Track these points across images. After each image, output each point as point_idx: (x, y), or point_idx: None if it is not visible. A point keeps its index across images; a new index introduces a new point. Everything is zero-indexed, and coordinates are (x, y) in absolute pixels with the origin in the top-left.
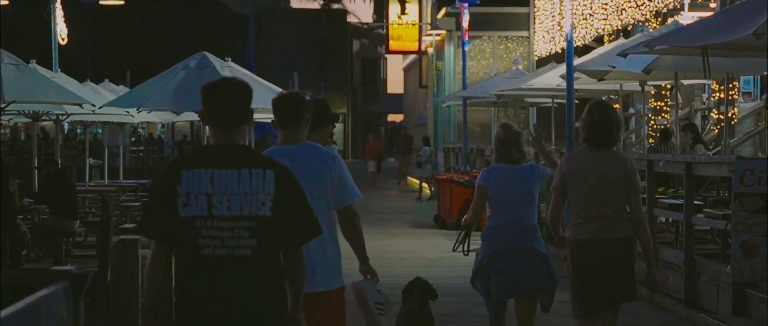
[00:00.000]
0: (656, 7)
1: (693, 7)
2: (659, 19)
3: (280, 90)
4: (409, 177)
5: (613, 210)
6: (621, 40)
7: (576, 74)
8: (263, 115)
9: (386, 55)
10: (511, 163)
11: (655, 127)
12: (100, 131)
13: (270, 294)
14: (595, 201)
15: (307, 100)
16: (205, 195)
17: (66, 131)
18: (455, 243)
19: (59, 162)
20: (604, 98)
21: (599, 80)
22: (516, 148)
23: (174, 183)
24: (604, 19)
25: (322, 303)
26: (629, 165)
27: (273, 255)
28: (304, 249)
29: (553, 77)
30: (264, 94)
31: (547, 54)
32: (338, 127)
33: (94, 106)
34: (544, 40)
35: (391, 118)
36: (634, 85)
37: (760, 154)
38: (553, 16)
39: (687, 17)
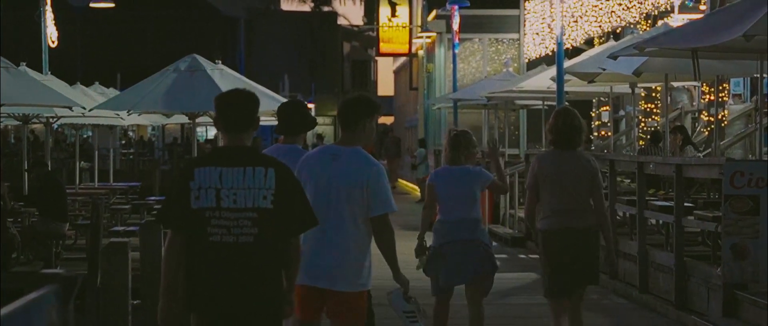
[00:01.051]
0: (646, 9)
1: (683, 9)
2: (649, 22)
3: (270, 93)
4: (400, 179)
5: (579, 204)
6: (611, 43)
7: (566, 76)
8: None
9: (376, 58)
10: (456, 164)
11: (645, 129)
12: (91, 134)
13: (269, 275)
14: (562, 196)
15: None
16: (214, 189)
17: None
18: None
19: (49, 164)
20: (594, 100)
21: (589, 82)
22: (463, 153)
23: (188, 179)
24: (595, 22)
25: (341, 301)
26: (592, 165)
27: (272, 242)
28: (332, 248)
29: (543, 79)
30: None
31: (538, 56)
32: (328, 129)
33: (84, 108)
34: (535, 42)
35: (381, 120)
36: (624, 87)
37: (750, 156)
38: (544, 19)
39: (677, 19)
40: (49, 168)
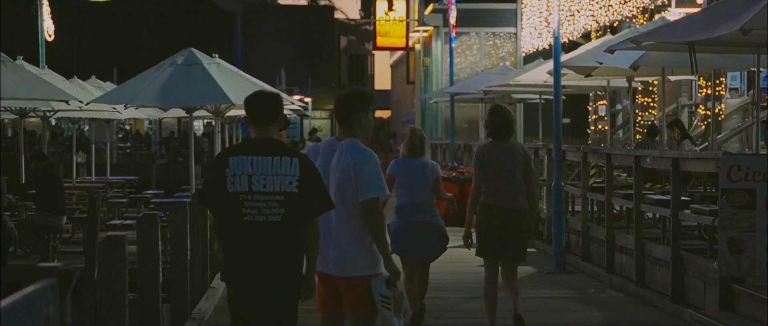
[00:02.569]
0: (643, 3)
1: (680, 3)
2: (646, 16)
3: (268, 86)
4: None
5: (514, 186)
6: (608, 37)
7: (563, 70)
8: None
9: (373, 52)
10: (413, 156)
11: (642, 122)
12: (87, 127)
13: (293, 251)
14: (499, 179)
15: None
16: (247, 175)
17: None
18: None
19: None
20: (591, 94)
21: (586, 76)
22: (419, 147)
23: (223, 167)
24: (591, 16)
25: (351, 285)
26: (525, 152)
27: (296, 221)
28: (335, 237)
29: (540, 73)
30: (251, 91)
31: (535, 50)
32: (325, 123)
33: (81, 102)
34: (532, 36)
35: (378, 114)
36: (621, 81)
37: (746, 150)
38: (541, 13)
39: (674, 13)
40: (49, 161)
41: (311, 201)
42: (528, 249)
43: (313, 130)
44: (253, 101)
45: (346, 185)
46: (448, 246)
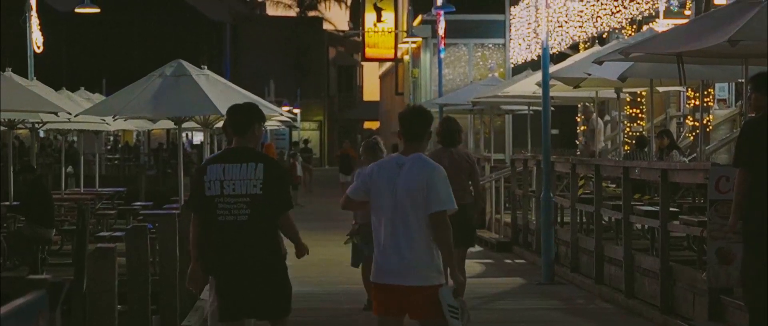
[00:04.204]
0: (631, 14)
1: (668, 14)
2: (634, 27)
3: (256, 97)
4: None
5: (460, 185)
6: (596, 48)
7: (552, 81)
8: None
9: (362, 63)
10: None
11: (630, 134)
12: (76, 139)
13: (261, 245)
14: (450, 180)
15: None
16: (219, 181)
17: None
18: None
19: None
20: (579, 105)
21: (575, 87)
22: (378, 156)
23: (202, 174)
24: (580, 27)
25: (417, 295)
26: (470, 157)
27: (262, 220)
28: (402, 248)
29: (528, 84)
30: (240, 102)
31: (523, 61)
32: (314, 134)
33: (69, 114)
34: (520, 47)
35: (367, 125)
36: (609, 93)
37: None
38: (529, 24)
39: (662, 24)
40: (37, 173)
41: (275, 202)
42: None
43: (306, 141)
44: (229, 113)
45: (416, 197)
46: None
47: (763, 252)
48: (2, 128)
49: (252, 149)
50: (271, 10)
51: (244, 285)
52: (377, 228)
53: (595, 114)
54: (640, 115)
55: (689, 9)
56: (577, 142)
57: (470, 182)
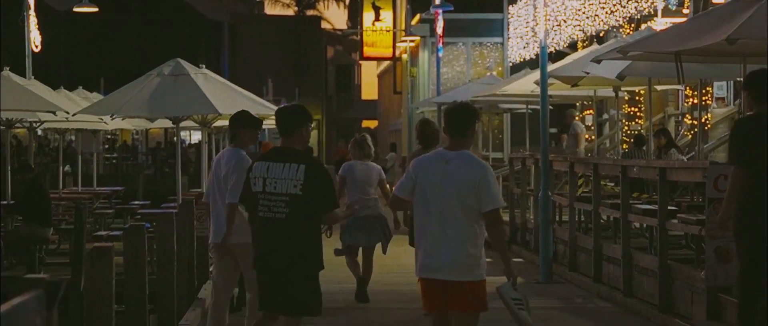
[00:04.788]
0: (629, 13)
1: (666, 13)
2: (632, 25)
3: (255, 97)
4: None
5: None
6: (595, 46)
7: (550, 80)
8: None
9: (360, 62)
10: (361, 159)
11: (629, 132)
12: (74, 138)
13: (298, 244)
14: None
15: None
16: (262, 178)
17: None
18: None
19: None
20: (577, 104)
21: (573, 86)
22: (367, 152)
23: (249, 171)
24: (578, 25)
25: (461, 291)
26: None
27: (300, 219)
28: (449, 243)
29: (527, 83)
30: (238, 101)
31: (521, 60)
32: (312, 133)
33: (67, 113)
34: (518, 46)
35: (365, 124)
36: (607, 91)
37: None
38: (527, 23)
39: (660, 23)
40: (35, 172)
41: (317, 202)
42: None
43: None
44: (277, 115)
45: (467, 194)
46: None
47: (756, 249)
48: (0, 127)
49: (297, 150)
50: (270, 9)
51: (276, 280)
52: (423, 224)
53: (575, 119)
54: (638, 114)
55: (687, 7)
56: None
57: None
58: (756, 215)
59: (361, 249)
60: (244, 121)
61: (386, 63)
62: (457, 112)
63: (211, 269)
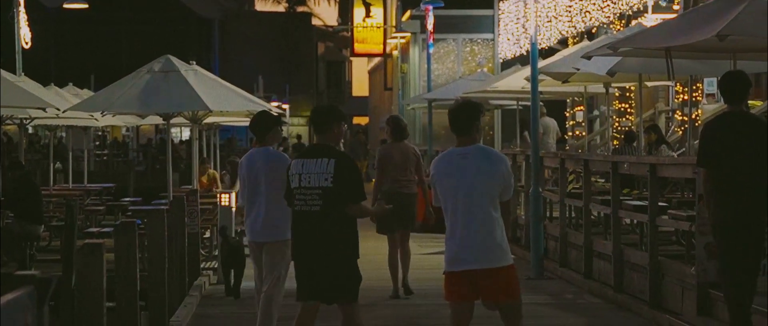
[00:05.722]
0: (620, 9)
1: (656, 9)
2: (623, 22)
3: (245, 93)
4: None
5: (406, 177)
6: (585, 43)
7: (540, 76)
8: (229, 118)
9: (351, 58)
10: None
11: (619, 128)
12: (64, 135)
13: (332, 234)
14: (397, 172)
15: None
16: (298, 175)
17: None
18: None
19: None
20: (568, 100)
21: (563, 82)
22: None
23: (288, 168)
24: (569, 22)
25: (498, 277)
26: (416, 152)
27: (332, 210)
28: (478, 234)
29: (517, 79)
30: (229, 97)
31: (512, 56)
32: (303, 129)
33: (58, 109)
34: (509, 42)
35: (356, 120)
36: (598, 87)
37: None
38: (518, 19)
39: (650, 19)
40: (26, 169)
41: (346, 193)
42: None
43: (298, 137)
44: (312, 113)
45: (493, 185)
46: (428, 253)
47: (733, 244)
48: None
49: (329, 146)
50: (260, 6)
51: (314, 270)
52: (450, 219)
53: (545, 115)
54: (628, 110)
55: (678, 4)
56: (566, 137)
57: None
58: (725, 211)
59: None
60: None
61: (377, 59)
62: (458, 111)
63: (202, 265)
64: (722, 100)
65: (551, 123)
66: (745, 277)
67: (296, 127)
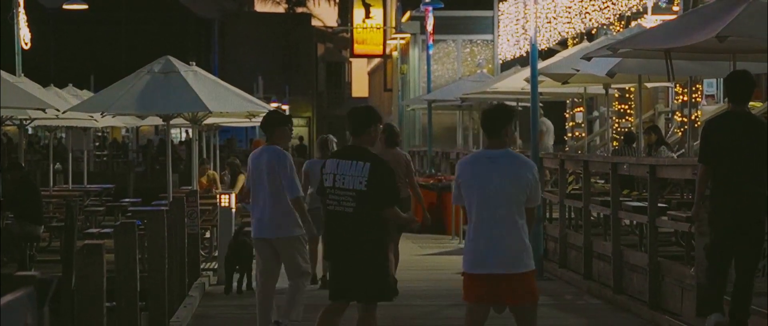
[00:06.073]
0: (620, 10)
1: (656, 10)
2: (623, 23)
3: (245, 94)
4: None
5: (401, 182)
6: (585, 44)
7: (540, 77)
8: (229, 119)
9: (351, 59)
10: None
11: (619, 129)
12: (64, 136)
13: (364, 235)
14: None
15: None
16: (333, 174)
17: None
18: None
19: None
20: (568, 101)
21: (563, 83)
22: (328, 151)
23: (323, 166)
24: (568, 23)
25: (518, 281)
26: (407, 157)
27: (365, 213)
28: (503, 238)
29: (517, 80)
30: (228, 98)
31: (512, 57)
32: (303, 131)
33: (58, 110)
34: (509, 43)
35: None
36: (598, 88)
37: None
38: (517, 20)
39: (650, 20)
40: (25, 170)
41: (378, 198)
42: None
43: (300, 138)
44: (348, 115)
45: (520, 191)
46: (427, 254)
47: (721, 236)
48: None
49: (364, 149)
50: (260, 7)
51: (346, 270)
52: (474, 222)
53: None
54: (628, 111)
55: (677, 5)
56: (566, 138)
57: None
58: (722, 207)
59: None
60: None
61: (376, 60)
62: (493, 114)
63: (202, 266)
64: (726, 99)
65: (548, 123)
66: (743, 278)
67: (296, 128)
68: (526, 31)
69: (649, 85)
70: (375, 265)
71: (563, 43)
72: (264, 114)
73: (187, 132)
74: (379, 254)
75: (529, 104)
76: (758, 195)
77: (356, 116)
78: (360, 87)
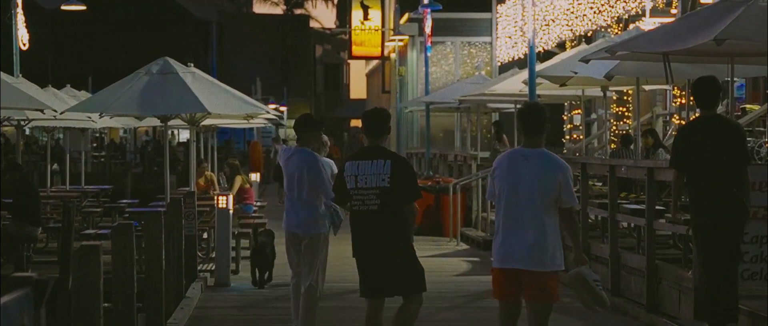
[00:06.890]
0: (618, 13)
1: (654, 13)
2: (621, 25)
3: (243, 95)
4: None
5: None
6: (583, 46)
7: (538, 80)
8: (227, 120)
9: (349, 61)
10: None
11: (616, 132)
12: (62, 137)
13: (391, 231)
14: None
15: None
16: (354, 176)
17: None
18: None
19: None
20: (566, 103)
21: (561, 85)
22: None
23: (343, 170)
24: (566, 25)
25: (536, 281)
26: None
27: (390, 209)
28: (528, 235)
29: (515, 83)
30: (226, 99)
31: (510, 59)
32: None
33: (55, 111)
34: (507, 45)
35: (353, 123)
36: (595, 91)
37: None
38: (516, 22)
39: (648, 23)
40: (24, 171)
41: (401, 193)
42: None
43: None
44: (365, 117)
45: (549, 191)
46: (426, 256)
47: (712, 247)
48: None
49: (383, 147)
50: (258, 8)
51: (376, 266)
52: (502, 217)
53: None
54: (626, 114)
55: (675, 8)
56: (564, 141)
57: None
58: (700, 211)
59: None
60: (311, 125)
61: (375, 62)
62: (532, 112)
63: (199, 267)
64: (695, 105)
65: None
66: (727, 279)
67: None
68: (524, 33)
69: (647, 87)
70: (405, 259)
71: (561, 46)
72: (262, 116)
73: (176, 132)
74: (408, 248)
75: None
76: (734, 198)
77: (372, 119)
78: (358, 89)
